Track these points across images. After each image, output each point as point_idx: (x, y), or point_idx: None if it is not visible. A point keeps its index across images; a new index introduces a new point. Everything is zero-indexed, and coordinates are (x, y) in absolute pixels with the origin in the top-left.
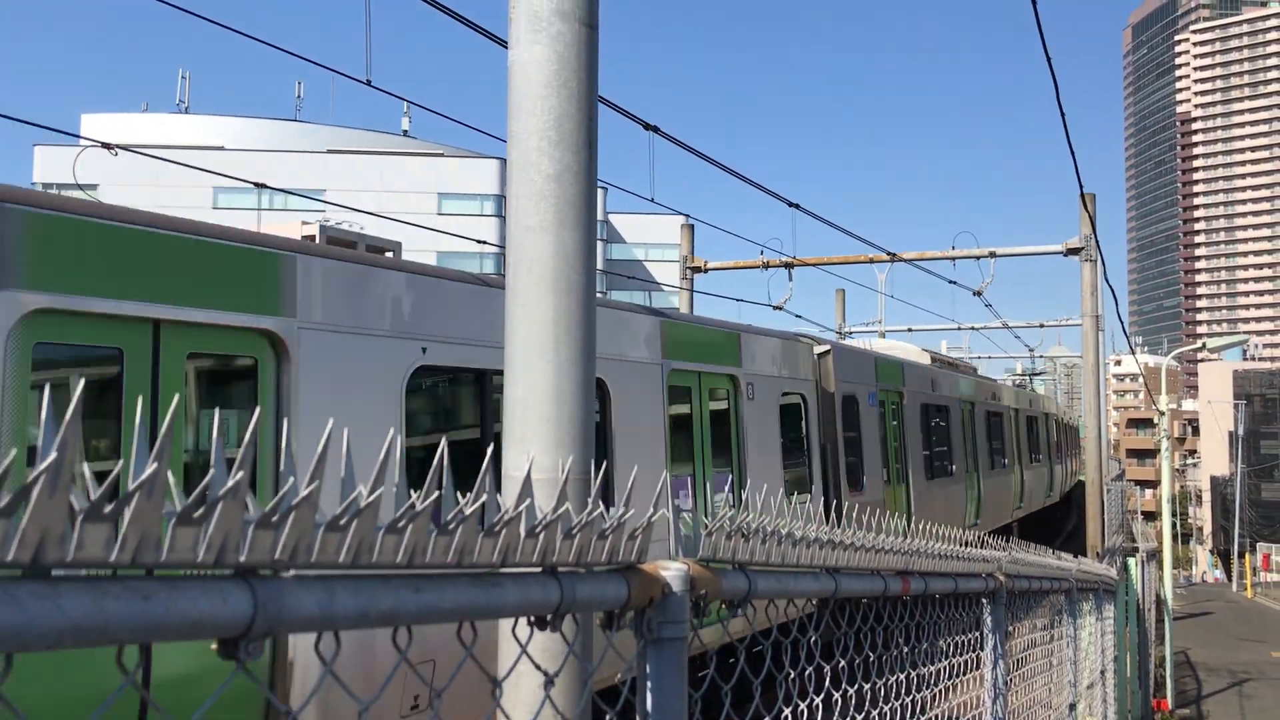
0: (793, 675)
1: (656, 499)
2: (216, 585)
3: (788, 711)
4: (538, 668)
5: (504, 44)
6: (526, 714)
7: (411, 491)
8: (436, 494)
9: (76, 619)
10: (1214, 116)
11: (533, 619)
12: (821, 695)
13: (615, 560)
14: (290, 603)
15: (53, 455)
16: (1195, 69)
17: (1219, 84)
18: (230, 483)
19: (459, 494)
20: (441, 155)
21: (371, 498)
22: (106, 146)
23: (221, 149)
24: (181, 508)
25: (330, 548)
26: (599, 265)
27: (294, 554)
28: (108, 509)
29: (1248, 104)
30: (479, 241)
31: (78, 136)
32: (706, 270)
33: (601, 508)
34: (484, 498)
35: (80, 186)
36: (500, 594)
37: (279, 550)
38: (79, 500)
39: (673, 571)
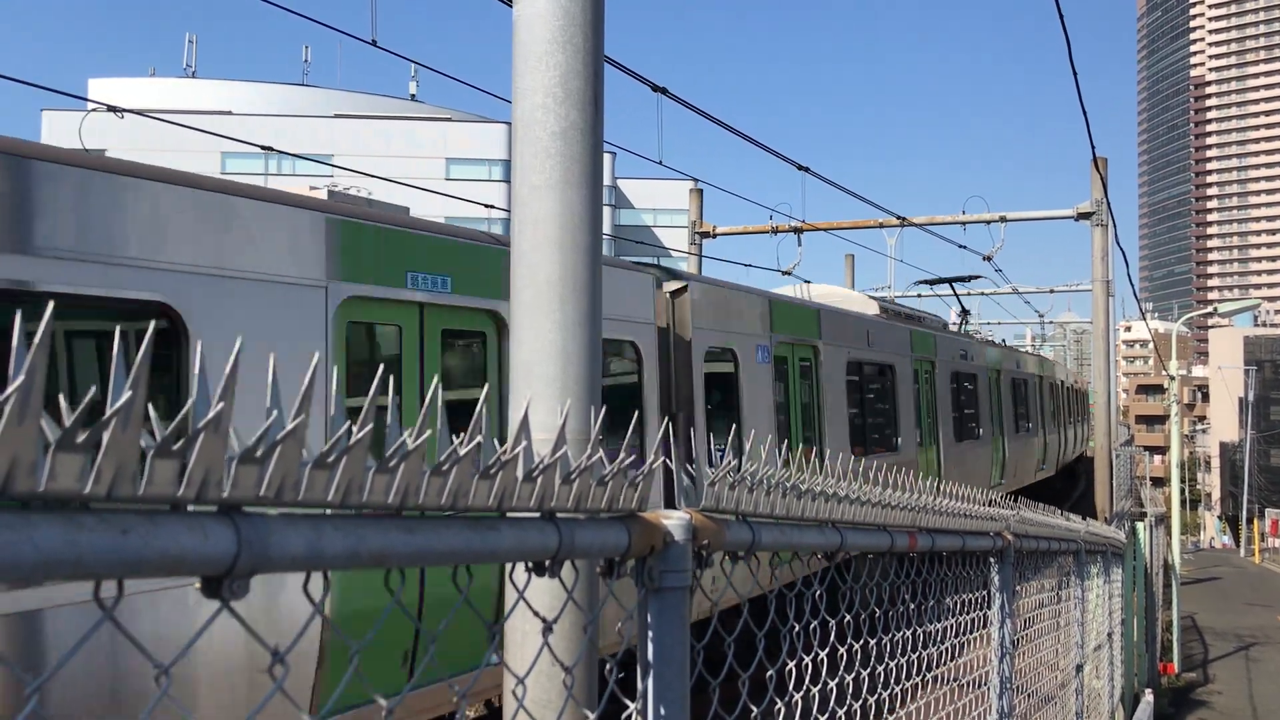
0: (797, 629)
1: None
2: (198, 521)
3: (792, 664)
4: (535, 614)
5: (509, 1)
6: (531, 659)
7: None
8: (428, 433)
9: (48, 552)
10: (1228, 80)
11: (530, 564)
12: (826, 650)
13: (615, 508)
14: (276, 541)
15: (21, 378)
16: (1210, 32)
17: (1234, 47)
18: (211, 414)
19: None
20: (449, 120)
21: (360, 434)
22: (114, 110)
23: (229, 113)
24: (160, 439)
25: (318, 486)
26: (607, 230)
27: (280, 491)
28: (81, 438)
29: (1263, 67)
30: (487, 206)
31: (86, 100)
32: (715, 235)
33: (601, 454)
34: (478, 439)
35: (87, 151)
36: (496, 538)
37: (264, 487)
38: (51, 429)
39: (675, 520)
